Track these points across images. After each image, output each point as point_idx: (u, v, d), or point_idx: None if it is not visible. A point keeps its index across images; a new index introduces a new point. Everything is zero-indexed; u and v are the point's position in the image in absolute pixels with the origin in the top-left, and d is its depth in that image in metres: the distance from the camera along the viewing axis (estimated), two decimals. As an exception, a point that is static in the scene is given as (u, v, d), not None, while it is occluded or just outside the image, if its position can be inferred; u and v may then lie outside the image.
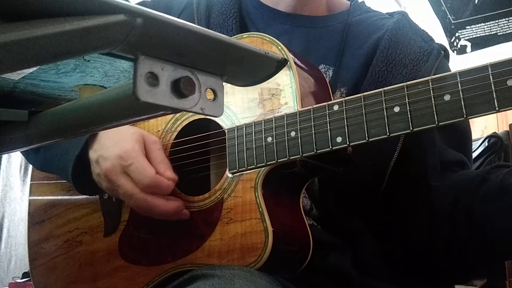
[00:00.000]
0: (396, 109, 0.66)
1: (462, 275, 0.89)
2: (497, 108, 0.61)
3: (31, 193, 1.05)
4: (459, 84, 0.63)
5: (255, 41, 0.82)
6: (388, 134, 0.67)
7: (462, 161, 0.90)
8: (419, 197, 0.86)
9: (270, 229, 0.72)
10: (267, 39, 0.81)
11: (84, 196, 0.94)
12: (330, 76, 0.90)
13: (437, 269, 0.86)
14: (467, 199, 0.79)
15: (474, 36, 1.43)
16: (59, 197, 0.99)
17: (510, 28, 1.39)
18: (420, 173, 0.87)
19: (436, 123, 0.63)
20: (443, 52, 0.92)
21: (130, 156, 0.76)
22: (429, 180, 0.86)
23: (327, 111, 0.71)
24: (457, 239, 0.80)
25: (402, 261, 0.88)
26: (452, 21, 1.45)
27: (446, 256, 0.84)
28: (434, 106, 0.64)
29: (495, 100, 0.60)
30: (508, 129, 1.74)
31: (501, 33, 1.41)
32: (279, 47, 0.80)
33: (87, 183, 0.84)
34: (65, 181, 0.97)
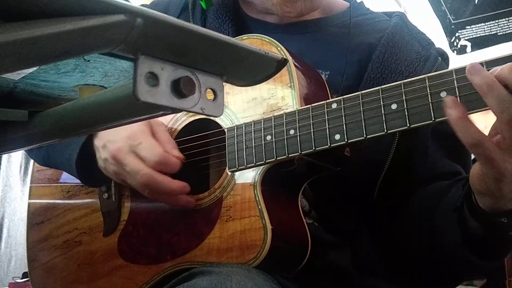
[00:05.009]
0: (394, 106, 0.67)
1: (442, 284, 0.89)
2: None
3: (30, 196, 1.05)
4: (455, 81, 0.63)
5: (254, 42, 0.82)
6: (385, 131, 0.67)
7: (458, 172, 0.88)
8: (404, 204, 0.86)
9: (269, 226, 0.72)
10: (266, 40, 0.82)
11: (83, 198, 0.94)
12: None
13: (415, 276, 0.86)
14: (427, 212, 0.79)
15: (474, 36, 1.43)
16: (59, 199, 0.99)
17: (510, 28, 1.40)
18: (408, 182, 0.87)
19: (433, 119, 0.64)
20: (439, 58, 0.90)
21: (138, 136, 0.78)
22: (415, 189, 0.86)
23: (326, 109, 0.72)
24: (423, 248, 0.81)
25: (397, 261, 0.89)
26: (452, 21, 1.45)
27: (419, 266, 0.84)
28: (430, 103, 0.64)
29: None
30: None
31: (501, 33, 1.41)
32: (278, 48, 0.80)
33: (92, 173, 0.86)
34: (65, 183, 0.97)
